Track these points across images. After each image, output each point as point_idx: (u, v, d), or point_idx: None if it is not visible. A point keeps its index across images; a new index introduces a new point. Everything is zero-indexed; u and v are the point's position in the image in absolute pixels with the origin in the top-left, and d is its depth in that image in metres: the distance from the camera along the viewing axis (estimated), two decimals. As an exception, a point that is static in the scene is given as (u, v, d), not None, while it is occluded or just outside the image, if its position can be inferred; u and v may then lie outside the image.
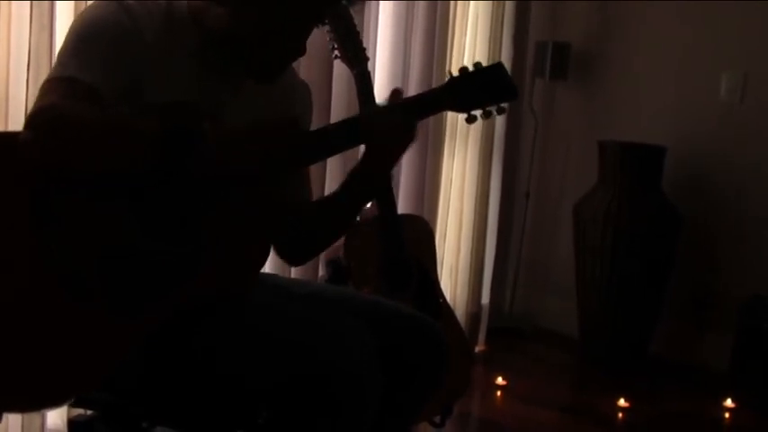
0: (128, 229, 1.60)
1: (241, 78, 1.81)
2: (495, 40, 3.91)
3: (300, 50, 1.78)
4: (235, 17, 1.71)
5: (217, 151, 1.62)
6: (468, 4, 3.78)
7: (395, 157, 1.87)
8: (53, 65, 1.68)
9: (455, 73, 1.88)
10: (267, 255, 1.80)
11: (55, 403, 1.58)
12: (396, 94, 1.87)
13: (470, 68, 1.88)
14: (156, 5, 1.75)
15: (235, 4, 1.70)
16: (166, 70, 1.71)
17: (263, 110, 1.84)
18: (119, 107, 1.62)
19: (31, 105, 2.16)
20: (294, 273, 2.96)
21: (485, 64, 1.90)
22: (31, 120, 1.56)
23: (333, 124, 1.90)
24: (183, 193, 1.65)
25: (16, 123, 2.20)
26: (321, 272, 2.87)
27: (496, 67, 1.91)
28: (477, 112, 1.90)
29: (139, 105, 1.65)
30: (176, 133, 1.57)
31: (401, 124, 1.81)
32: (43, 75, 2.20)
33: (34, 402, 1.53)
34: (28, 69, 2.18)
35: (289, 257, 2.07)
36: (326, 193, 2.69)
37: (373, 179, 1.92)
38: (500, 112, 1.92)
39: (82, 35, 1.66)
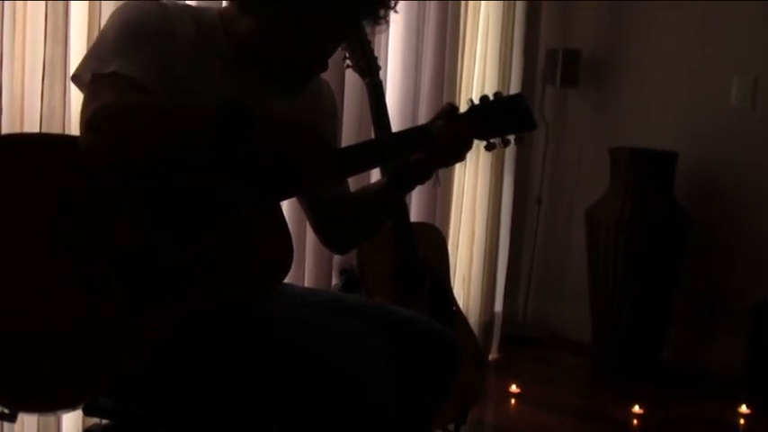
0: (146, 230, 1.61)
1: (266, 88, 1.81)
2: (506, 48, 3.90)
3: (323, 65, 1.79)
4: (259, 28, 1.72)
5: (269, 139, 1.61)
6: (479, 13, 3.78)
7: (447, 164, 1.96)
8: (86, 59, 1.67)
9: (476, 101, 1.92)
10: (286, 263, 1.78)
11: (70, 402, 1.58)
12: (452, 108, 1.91)
13: (491, 97, 1.92)
14: (187, 8, 1.77)
15: (260, 15, 1.71)
16: (199, 74, 1.72)
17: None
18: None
19: (44, 115, 2.20)
20: (308, 281, 2.97)
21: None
22: (90, 122, 1.56)
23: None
24: (206, 194, 1.66)
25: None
26: (335, 280, 2.87)
27: (517, 98, 1.96)
28: (497, 140, 1.95)
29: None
30: (232, 113, 1.57)
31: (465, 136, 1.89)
32: (58, 85, 2.22)
33: (51, 401, 1.54)
34: (42, 80, 2.19)
35: (332, 245, 2.12)
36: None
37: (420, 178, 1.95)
38: (518, 141, 1.96)
39: (123, 32, 1.65)
